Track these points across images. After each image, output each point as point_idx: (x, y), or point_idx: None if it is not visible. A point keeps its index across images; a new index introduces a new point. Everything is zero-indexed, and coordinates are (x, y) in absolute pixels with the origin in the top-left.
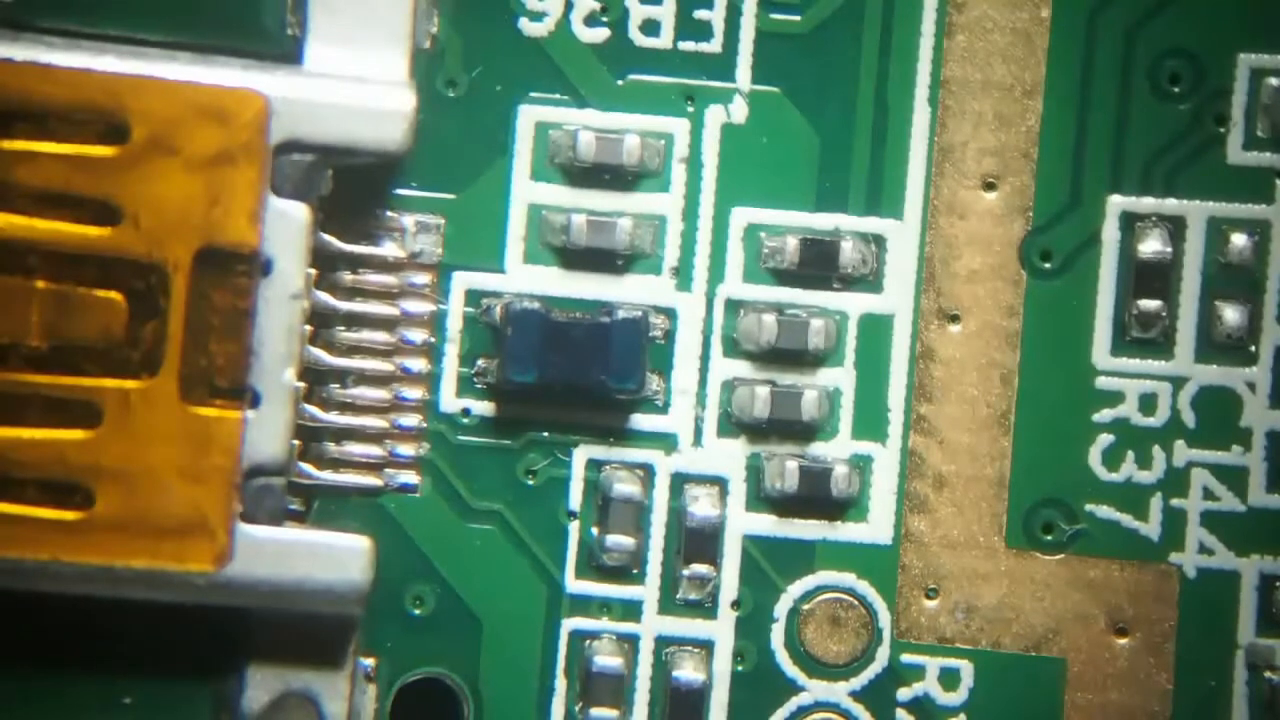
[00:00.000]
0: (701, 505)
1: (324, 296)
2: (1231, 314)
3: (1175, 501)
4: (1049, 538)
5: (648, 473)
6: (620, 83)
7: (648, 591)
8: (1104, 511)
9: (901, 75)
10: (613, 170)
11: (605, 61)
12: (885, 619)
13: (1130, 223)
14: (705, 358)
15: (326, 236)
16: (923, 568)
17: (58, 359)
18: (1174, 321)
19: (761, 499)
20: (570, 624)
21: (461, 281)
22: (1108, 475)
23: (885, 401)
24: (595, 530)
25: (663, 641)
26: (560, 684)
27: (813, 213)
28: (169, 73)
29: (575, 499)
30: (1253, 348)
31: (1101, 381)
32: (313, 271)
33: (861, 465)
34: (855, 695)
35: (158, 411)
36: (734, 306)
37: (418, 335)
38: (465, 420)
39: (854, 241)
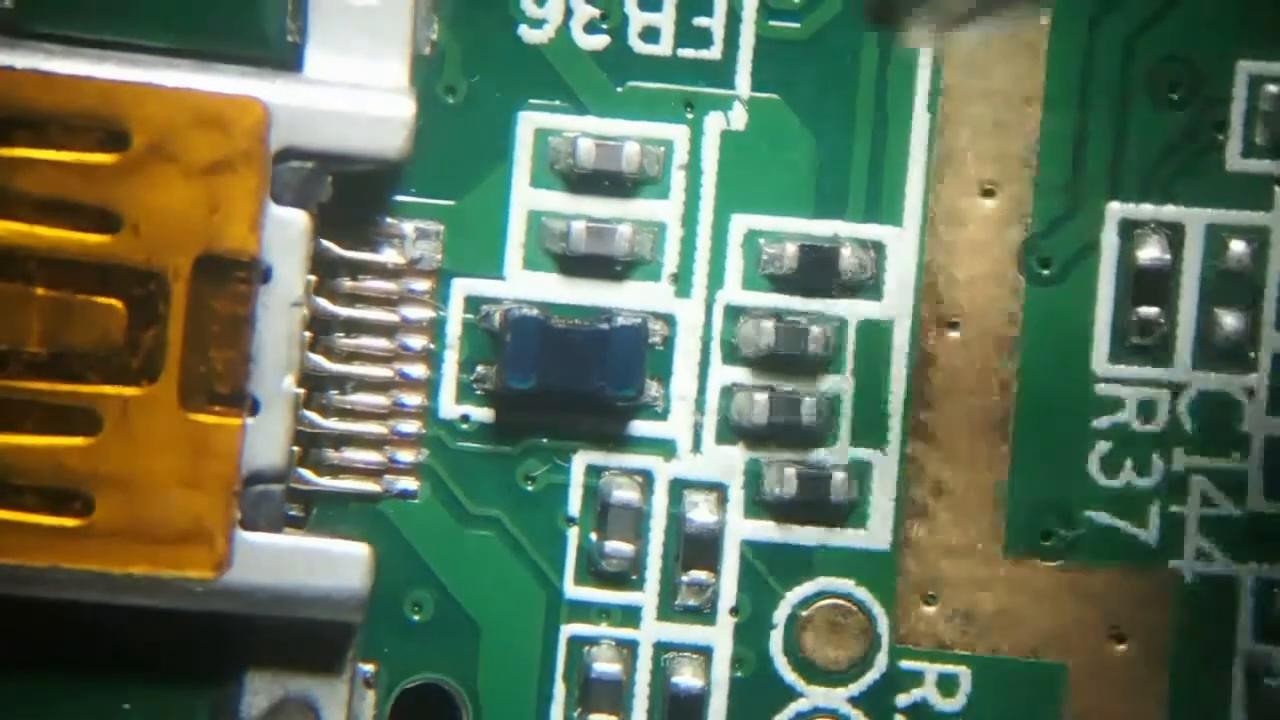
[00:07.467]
0: (700, 511)
1: (323, 303)
2: (1230, 321)
3: (1174, 508)
4: (1048, 544)
5: (647, 479)
6: (620, 89)
7: (646, 597)
8: (1103, 518)
9: (901, 82)
10: (612, 177)
11: (605, 68)
12: (884, 625)
13: (1129, 230)
14: (704, 364)
15: (326, 243)
16: (921, 574)
17: (57, 366)
18: (1173, 328)
19: (760, 505)
20: (569, 630)
21: (461, 288)
22: (1106, 481)
23: (884, 408)
24: (594, 536)
25: (661, 647)
26: (559, 690)
27: (812, 219)
28: (168, 80)
29: (574, 505)
30: (1251, 354)
31: (1100, 388)
32: (312, 278)
33: (860, 471)
34: (854, 701)
35: (157, 418)
36: (733, 313)
37: (417, 341)
38: (464, 426)
39: (853, 248)
